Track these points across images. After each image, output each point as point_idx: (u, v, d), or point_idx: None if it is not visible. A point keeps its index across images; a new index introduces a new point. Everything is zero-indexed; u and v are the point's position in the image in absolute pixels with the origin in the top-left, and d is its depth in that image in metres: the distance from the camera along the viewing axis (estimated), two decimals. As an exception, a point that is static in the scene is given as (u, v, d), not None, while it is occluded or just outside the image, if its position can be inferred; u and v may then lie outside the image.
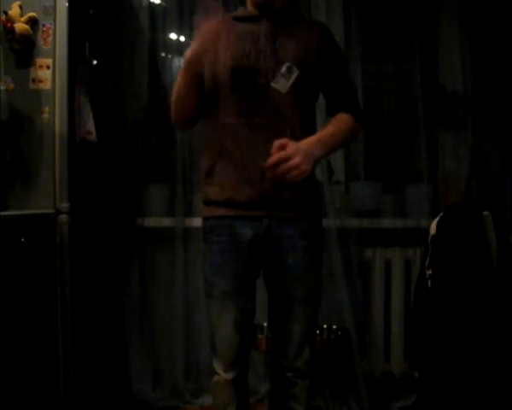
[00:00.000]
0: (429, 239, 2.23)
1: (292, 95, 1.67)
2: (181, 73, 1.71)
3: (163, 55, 2.93)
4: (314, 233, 1.74)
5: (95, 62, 2.43)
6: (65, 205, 2.11)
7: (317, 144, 1.64)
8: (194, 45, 1.64)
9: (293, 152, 1.55)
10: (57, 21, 2.12)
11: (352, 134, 1.80)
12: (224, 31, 1.73)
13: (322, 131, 1.71)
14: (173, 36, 2.92)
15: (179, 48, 2.95)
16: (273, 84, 1.66)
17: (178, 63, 2.94)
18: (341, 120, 1.74)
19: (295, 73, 1.67)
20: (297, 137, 1.68)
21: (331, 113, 1.79)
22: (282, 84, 1.67)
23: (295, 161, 1.55)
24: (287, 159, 1.54)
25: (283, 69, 1.67)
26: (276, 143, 1.56)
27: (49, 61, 2.12)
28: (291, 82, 1.67)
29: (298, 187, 1.67)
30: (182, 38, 2.92)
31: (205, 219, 1.76)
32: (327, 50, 1.75)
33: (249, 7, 1.78)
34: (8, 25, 2.05)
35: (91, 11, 2.39)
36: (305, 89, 1.71)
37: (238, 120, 1.66)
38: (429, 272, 2.21)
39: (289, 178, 1.56)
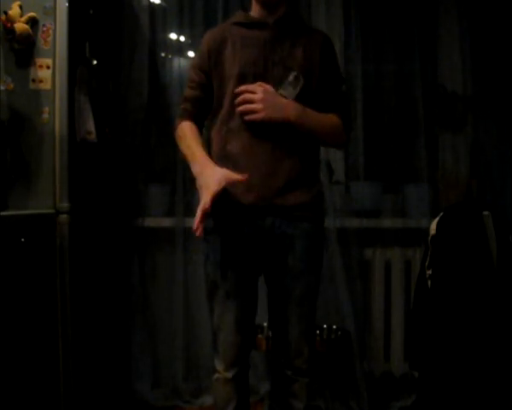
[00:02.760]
0: (429, 239, 2.23)
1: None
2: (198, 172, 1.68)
3: (163, 55, 2.93)
4: (315, 234, 1.75)
5: (95, 62, 2.43)
6: (65, 205, 2.11)
7: (296, 108, 1.67)
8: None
9: (260, 89, 1.64)
10: (57, 21, 2.12)
11: (336, 135, 1.80)
12: (227, 37, 1.74)
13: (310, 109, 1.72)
14: (173, 36, 2.92)
15: (179, 48, 2.95)
16: (281, 92, 1.66)
17: (178, 63, 2.94)
18: (331, 117, 1.76)
19: (302, 82, 1.68)
20: (302, 145, 1.70)
21: None
22: (289, 93, 1.67)
23: (257, 96, 1.63)
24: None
25: (291, 77, 1.67)
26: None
27: (49, 61, 2.12)
28: (298, 90, 1.67)
29: (303, 192, 1.69)
30: (182, 38, 2.92)
31: (206, 217, 1.75)
32: (327, 61, 1.77)
33: (254, 8, 1.78)
34: (8, 25, 2.05)
35: (91, 11, 2.39)
36: (309, 98, 1.71)
37: (243, 126, 1.67)
38: (429, 272, 2.22)
39: (243, 111, 1.64)
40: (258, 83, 1.65)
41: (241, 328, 1.71)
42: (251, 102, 1.63)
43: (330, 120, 1.76)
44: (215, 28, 1.86)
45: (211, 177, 1.60)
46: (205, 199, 1.57)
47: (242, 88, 1.65)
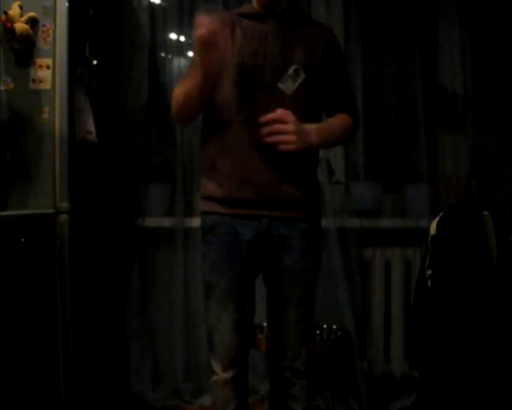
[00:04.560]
0: (429, 239, 2.23)
1: (296, 97, 1.66)
2: (193, 71, 1.63)
3: (163, 55, 2.93)
4: (313, 234, 1.74)
5: (95, 62, 2.43)
6: (65, 205, 2.11)
7: (314, 132, 1.66)
8: (206, 26, 1.52)
9: (291, 120, 1.59)
10: (57, 21, 2.12)
11: (348, 135, 1.82)
12: (229, 25, 1.73)
13: (321, 123, 1.72)
14: (173, 36, 2.92)
15: (179, 48, 2.95)
16: (279, 85, 1.65)
17: (178, 63, 2.94)
18: (341, 119, 1.76)
19: (302, 76, 1.66)
20: None
21: (329, 115, 1.81)
22: (287, 86, 1.66)
23: (290, 127, 1.59)
24: (282, 123, 1.59)
25: (290, 71, 1.66)
26: (279, 110, 1.60)
27: (49, 61, 2.12)
28: (297, 84, 1.66)
29: (299, 188, 1.68)
30: (182, 38, 2.92)
31: (203, 213, 1.75)
32: (331, 56, 1.76)
33: (255, 5, 1.78)
34: (8, 25, 2.05)
35: (91, 11, 2.39)
36: (310, 92, 1.71)
37: (240, 118, 1.66)
38: (429, 272, 2.22)
39: (276, 141, 1.59)
40: (282, 111, 1.60)
41: (239, 329, 1.70)
42: (283, 132, 1.59)
43: (342, 123, 1.76)
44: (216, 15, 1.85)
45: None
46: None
47: (270, 117, 1.59)
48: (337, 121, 1.75)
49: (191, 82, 1.65)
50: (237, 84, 1.67)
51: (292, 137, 1.59)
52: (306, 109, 1.70)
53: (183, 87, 1.71)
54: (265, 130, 1.59)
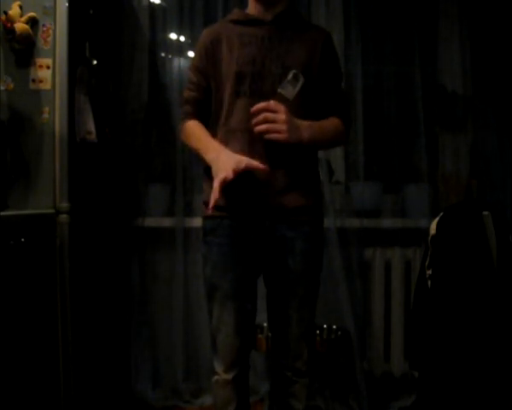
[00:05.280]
0: (429, 239, 2.23)
1: (296, 102, 1.65)
2: (206, 152, 1.68)
3: (163, 55, 2.93)
4: (315, 236, 1.74)
5: (95, 62, 2.43)
6: (65, 205, 2.11)
7: (306, 128, 1.65)
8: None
9: (282, 110, 1.58)
10: (57, 21, 2.12)
11: (339, 139, 1.81)
12: (224, 35, 1.73)
13: (313, 122, 1.71)
14: (173, 36, 2.92)
15: (179, 48, 2.95)
16: (280, 90, 1.64)
17: (178, 63, 2.95)
18: (332, 122, 1.75)
19: (301, 81, 1.65)
20: (301, 145, 1.67)
21: (321, 118, 1.79)
22: (288, 91, 1.64)
23: (281, 116, 1.58)
24: (274, 112, 1.58)
25: (290, 76, 1.64)
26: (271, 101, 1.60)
27: (49, 61, 2.12)
28: (297, 89, 1.65)
29: (302, 195, 1.68)
30: (182, 38, 2.93)
31: (205, 218, 1.75)
32: (328, 59, 1.76)
33: (252, 5, 1.77)
34: (8, 25, 2.05)
35: (91, 11, 2.39)
36: (309, 96, 1.70)
37: (242, 126, 1.66)
38: (429, 272, 2.22)
39: (266, 130, 1.58)
40: (274, 102, 1.60)
41: (241, 330, 1.70)
42: (273, 121, 1.58)
43: (333, 126, 1.75)
44: (211, 27, 1.85)
45: (229, 158, 1.58)
46: (224, 172, 1.54)
47: (261, 106, 1.59)
48: (329, 123, 1.74)
49: (199, 151, 1.71)
50: (237, 92, 1.67)
51: (282, 127, 1.58)
52: (306, 114, 1.69)
53: (193, 138, 1.75)
54: (256, 118, 1.59)
